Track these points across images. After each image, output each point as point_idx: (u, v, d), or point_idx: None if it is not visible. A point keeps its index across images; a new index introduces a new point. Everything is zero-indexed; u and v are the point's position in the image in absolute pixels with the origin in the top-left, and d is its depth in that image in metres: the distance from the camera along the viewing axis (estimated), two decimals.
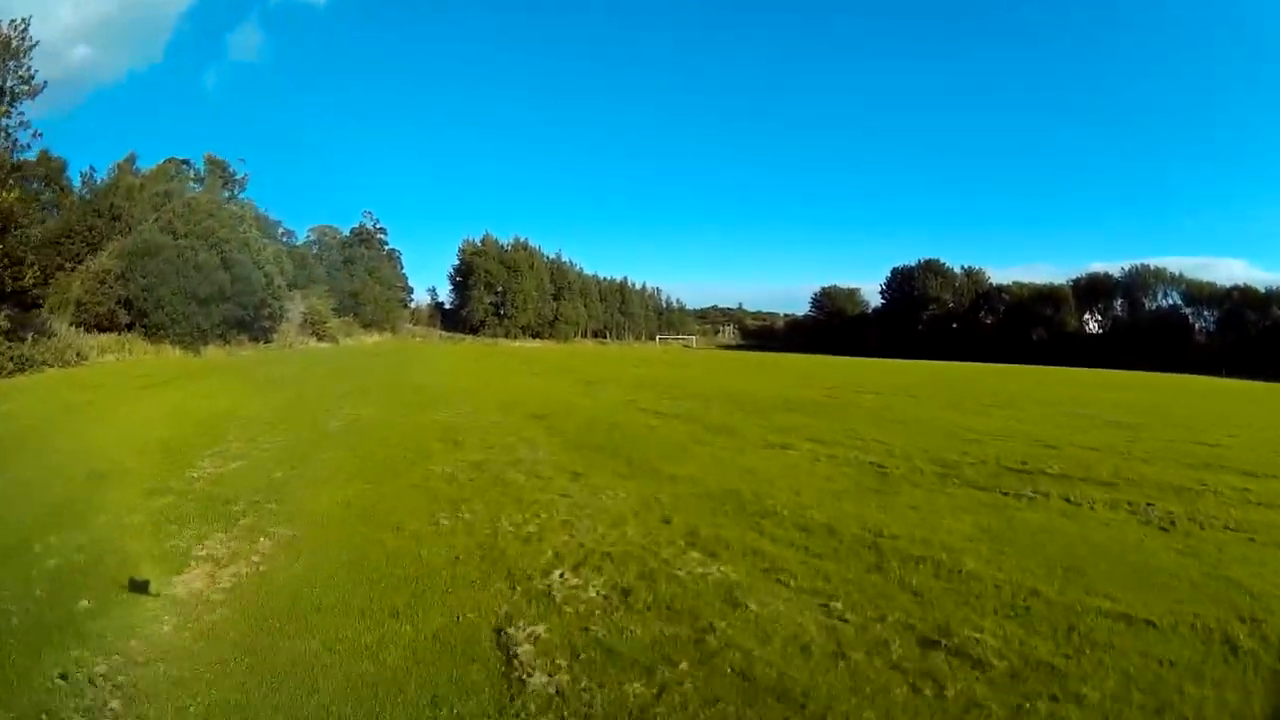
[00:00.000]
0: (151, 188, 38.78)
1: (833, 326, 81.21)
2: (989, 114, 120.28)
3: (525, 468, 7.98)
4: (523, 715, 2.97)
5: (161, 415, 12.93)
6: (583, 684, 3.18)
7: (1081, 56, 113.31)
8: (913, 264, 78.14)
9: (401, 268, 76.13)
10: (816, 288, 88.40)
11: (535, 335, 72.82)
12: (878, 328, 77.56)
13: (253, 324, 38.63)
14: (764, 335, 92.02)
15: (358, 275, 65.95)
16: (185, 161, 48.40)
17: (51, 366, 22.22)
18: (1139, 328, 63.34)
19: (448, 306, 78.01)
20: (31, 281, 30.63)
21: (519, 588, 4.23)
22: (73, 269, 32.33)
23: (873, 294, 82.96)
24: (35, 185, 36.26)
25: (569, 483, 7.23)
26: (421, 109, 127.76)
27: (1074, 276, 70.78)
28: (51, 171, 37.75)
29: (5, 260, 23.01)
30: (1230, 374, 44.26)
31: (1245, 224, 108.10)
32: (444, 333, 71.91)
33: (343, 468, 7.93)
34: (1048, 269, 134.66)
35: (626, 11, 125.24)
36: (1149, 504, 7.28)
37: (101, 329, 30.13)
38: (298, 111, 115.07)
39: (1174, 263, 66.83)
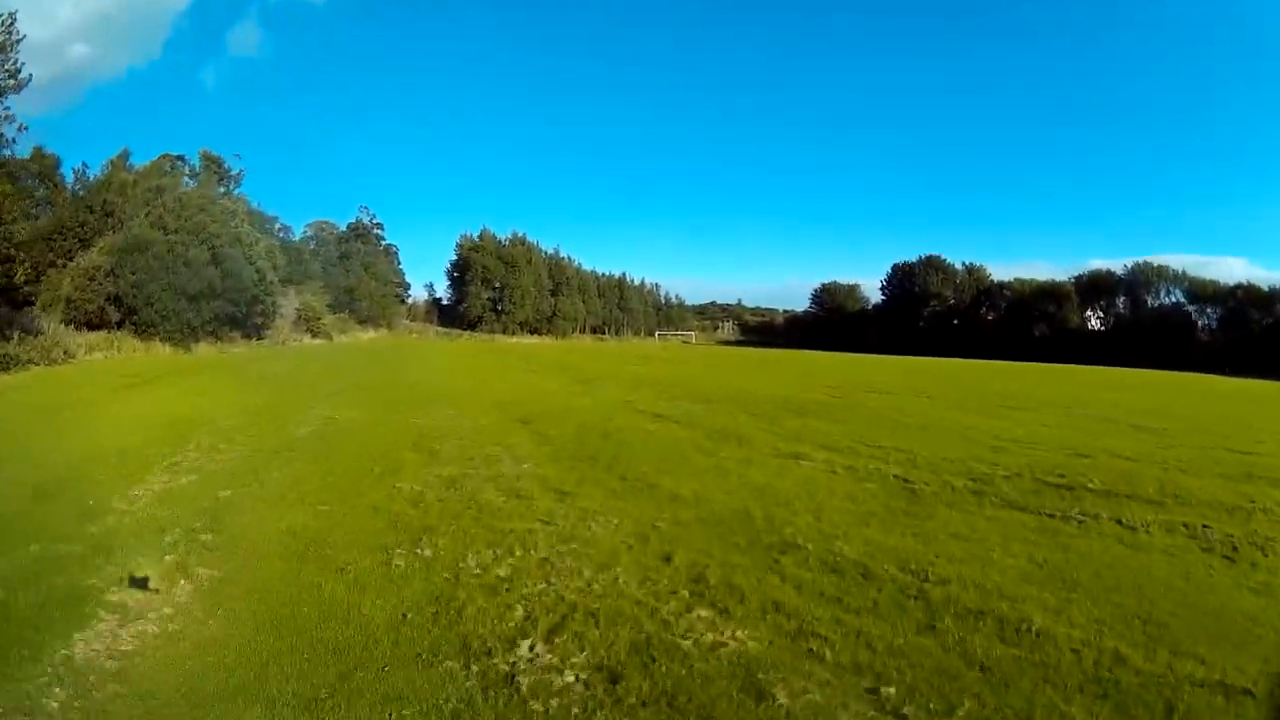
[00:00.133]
0: (144, 184, 38.07)
1: (833, 322, 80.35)
2: (987, 111, 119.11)
3: (505, 484, 7.06)
4: None
5: (131, 418, 12.11)
6: None
7: (1081, 54, 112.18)
8: (913, 260, 77.28)
9: (398, 263, 75.32)
10: (815, 284, 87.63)
11: (533, 331, 71.82)
12: (878, 324, 76.83)
13: (245, 321, 37.84)
14: (764, 331, 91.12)
15: (353, 271, 65.02)
16: (180, 157, 47.65)
17: (38, 365, 21.41)
18: (1141, 325, 62.59)
19: (445, 302, 76.99)
20: (23, 279, 29.96)
21: (475, 667, 3.30)
22: (64, 266, 31.80)
23: (872, 290, 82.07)
24: (28, 182, 35.90)
25: (553, 504, 6.32)
26: (420, 104, 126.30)
27: (1074, 274, 70.06)
28: (45, 168, 37.07)
29: None
30: (1233, 373, 43.47)
31: (1245, 222, 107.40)
32: (441, 329, 70.89)
33: (300, 484, 7.01)
34: (1046, 266, 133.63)
35: (625, 7, 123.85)
36: (1205, 526, 6.55)
37: (92, 326, 29.55)
38: (297, 108, 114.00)
39: (1174, 260, 66.16)
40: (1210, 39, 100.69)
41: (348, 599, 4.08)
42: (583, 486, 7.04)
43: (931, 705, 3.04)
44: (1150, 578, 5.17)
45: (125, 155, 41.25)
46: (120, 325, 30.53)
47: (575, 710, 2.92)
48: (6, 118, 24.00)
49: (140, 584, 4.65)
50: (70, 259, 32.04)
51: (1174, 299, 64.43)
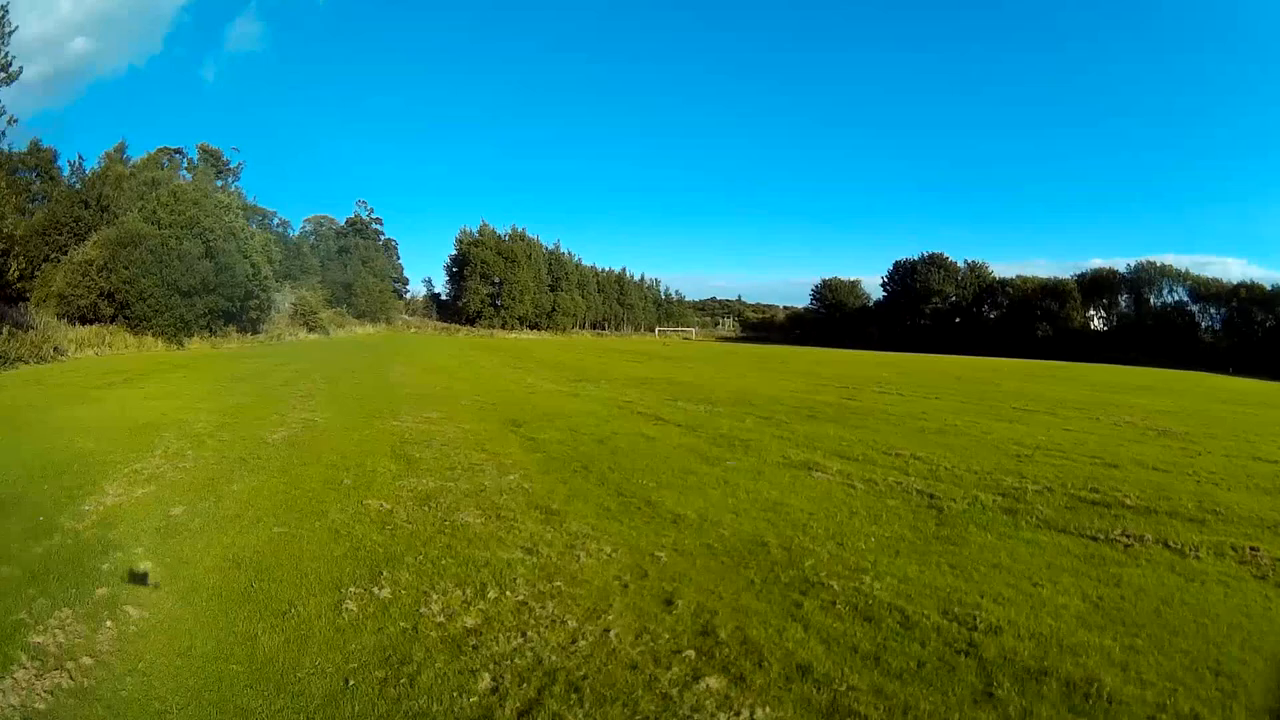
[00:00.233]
0: (140, 177, 37.67)
1: (834, 319, 79.74)
2: (988, 110, 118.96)
3: (486, 501, 6.35)
4: None
5: (102, 419, 11.40)
6: None
7: (1081, 54, 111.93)
8: (915, 257, 76.68)
9: (398, 258, 74.77)
10: (814, 280, 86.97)
11: (533, 327, 71.16)
12: (879, 321, 76.27)
13: (240, 315, 37.15)
14: (764, 328, 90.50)
15: (351, 266, 64.46)
16: (178, 151, 47.47)
17: (27, 362, 20.75)
18: (1144, 324, 62.10)
19: (444, 297, 76.39)
20: (16, 274, 29.39)
21: None
22: (58, 261, 31.33)
23: (873, 287, 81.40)
24: (25, 175, 35.70)
25: (538, 527, 5.61)
26: (421, 99, 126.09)
27: (1075, 272, 69.66)
28: (41, 162, 37.10)
29: None
30: (1237, 373, 42.91)
31: (1245, 222, 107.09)
32: (440, 324, 70.28)
33: (260, 499, 6.31)
34: (1046, 264, 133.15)
35: (625, 2, 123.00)
36: (1252, 548, 5.97)
37: (85, 321, 28.92)
38: (296, 102, 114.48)
39: (1173, 260, 65.87)
40: (1209, 38, 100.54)
41: (284, 656, 3.37)
42: (573, 504, 6.33)
43: None
44: (1211, 615, 4.56)
45: (121, 148, 41.24)
46: (113, 320, 29.91)
47: None
48: None
49: (140, 580, 4.53)
50: (64, 253, 31.53)
51: (1177, 298, 64.08)
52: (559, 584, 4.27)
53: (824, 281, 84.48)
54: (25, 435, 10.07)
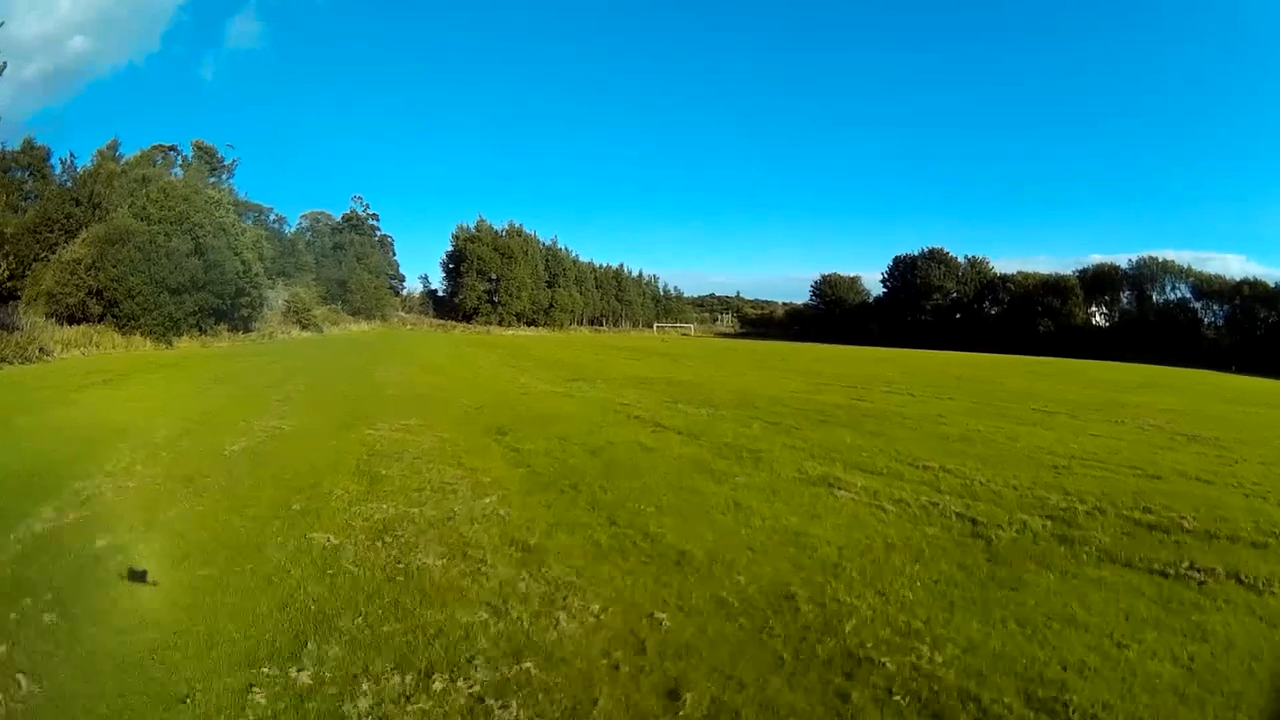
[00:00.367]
0: (132, 174, 36.84)
1: (833, 315, 78.93)
2: (986, 106, 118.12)
3: (453, 535, 5.41)
4: None
5: (66, 426, 10.56)
6: None
7: (1080, 51, 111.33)
8: (915, 253, 75.83)
9: (394, 254, 73.79)
10: (814, 276, 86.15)
11: (530, 323, 70.22)
12: (879, 317, 75.51)
13: (231, 313, 36.31)
14: (763, 324, 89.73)
15: (346, 262, 63.53)
16: (172, 148, 46.61)
17: (11, 363, 20.01)
18: (1146, 321, 61.35)
19: (440, 294, 75.44)
20: (6, 273, 28.64)
21: None
22: (48, 259, 30.69)
23: (873, 283, 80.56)
24: (18, 174, 35.24)
25: (512, 572, 4.68)
26: (419, 96, 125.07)
27: (1075, 268, 68.94)
28: (35, 160, 36.59)
29: None
30: (1240, 370, 42.27)
31: (1244, 219, 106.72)
32: (436, 321, 69.36)
33: (192, 531, 5.45)
34: (1046, 260, 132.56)
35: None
36: None
37: (74, 321, 28.20)
38: (295, 100, 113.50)
39: (1174, 256, 65.06)
40: (1209, 37, 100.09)
41: None
42: (556, 537, 5.40)
43: None
44: None
45: (114, 146, 40.76)
46: (101, 319, 29.17)
47: None
48: None
49: (139, 578, 4.47)
50: (54, 252, 30.90)
51: (1179, 295, 63.40)
52: (529, 665, 3.34)
53: (824, 277, 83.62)
54: None
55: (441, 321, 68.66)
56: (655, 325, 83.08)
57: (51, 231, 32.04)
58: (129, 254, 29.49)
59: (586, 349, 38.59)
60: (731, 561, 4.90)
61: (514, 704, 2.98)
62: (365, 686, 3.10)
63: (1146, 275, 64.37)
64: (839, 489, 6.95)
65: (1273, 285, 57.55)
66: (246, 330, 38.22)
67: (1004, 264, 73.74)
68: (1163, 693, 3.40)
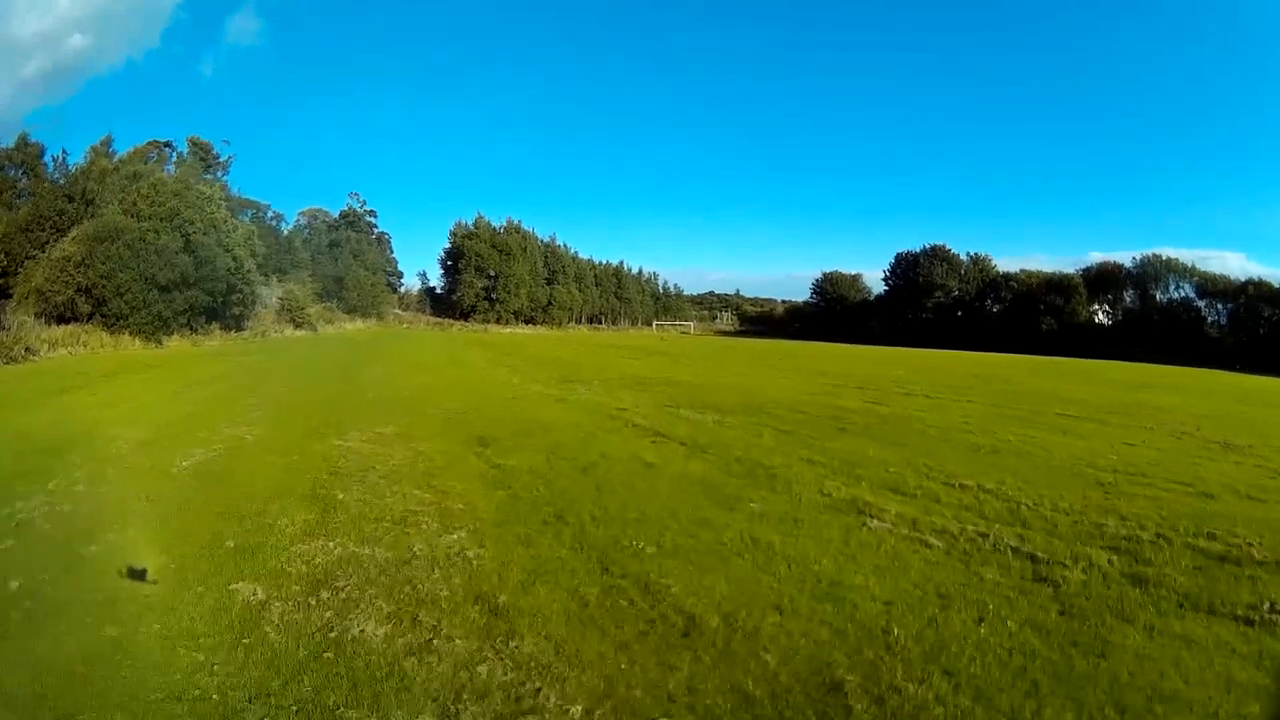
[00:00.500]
0: (124, 170, 36.23)
1: (834, 313, 78.28)
2: (985, 105, 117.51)
3: (405, 589, 4.44)
4: None
5: (21, 436, 9.78)
6: None
7: (1081, 49, 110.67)
8: (917, 250, 75.15)
9: (391, 251, 72.90)
10: (814, 274, 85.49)
11: (528, 321, 69.42)
12: (881, 315, 74.86)
13: (223, 311, 35.52)
14: (763, 322, 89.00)
15: (342, 259, 62.63)
16: (167, 144, 45.76)
17: None
18: (1150, 320, 60.79)
19: (439, 291, 74.59)
20: None
21: None
22: (39, 257, 30.11)
23: (874, 281, 79.89)
24: (12, 172, 35.23)
25: (471, 647, 3.70)
26: (417, 93, 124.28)
27: (1074, 266, 68.78)
28: (28, 158, 35.95)
29: None
30: (1244, 370, 41.78)
31: (1244, 218, 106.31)
32: (433, 319, 68.51)
33: (94, 578, 4.61)
34: (1045, 259, 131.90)
35: None
36: None
37: (63, 320, 27.60)
38: (295, 96, 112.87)
39: (1173, 255, 64.41)
40: (1209, 37, 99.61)
41: None
42: (534, 591, 4.44)
43: None
44: None
45: (108, 142, 40.23)
46: (90, 318, 28.45)
47: None
48: None
49: (138, 576, 4.45)
50: (44, 249, 30.36)
51: (1183, 293, 62.88)
52: None
53: (824, 275, 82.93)
54: None
55: (439, 319, 67.82)
56: (655, 323, 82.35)
57: (43, 229, 31.58)
58: (118, 251, 28.79)
59: (584, 347, 37.79)
60: (755, 630, 3.95)
61: None
62: None
63: (1150, 274, 63.85)
64: (872, 517, 6.13)
65: (1277, 285, 57.24)
66: (239, 329, 37.47)
67: (1003, 262, 73.26)
68: None
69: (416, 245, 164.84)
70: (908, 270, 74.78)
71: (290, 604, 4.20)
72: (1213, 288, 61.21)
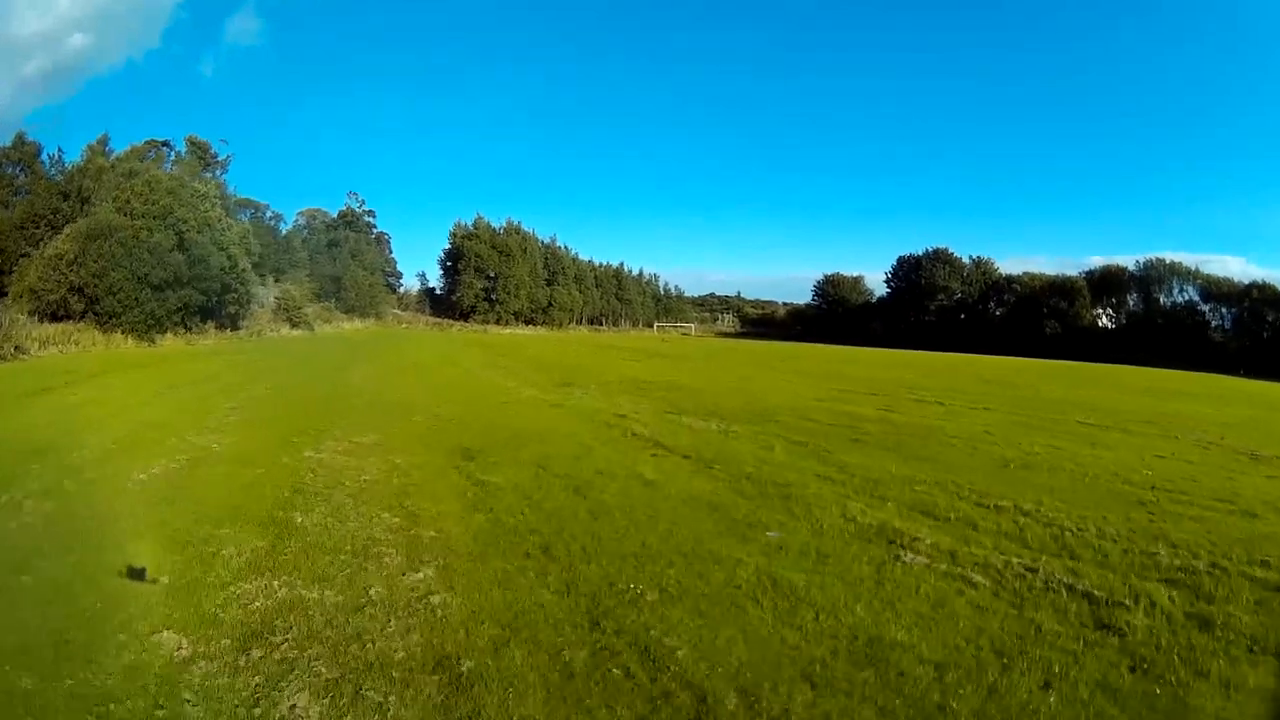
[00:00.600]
0: (120, 169, 35.84)
1: (836, 315, 77.73)
2: (987, 108, 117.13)
3: (352, 648, 3.69)
4: None
5: None
6: None
7: (1083, 51, 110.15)
8: (920, 253, 74.60)
9: (390, 251, 72.33)
10: (815, 276, 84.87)
11: (528, 322, 68.79)
12: (883, 317, 74.25)
13: (218, 310, 34.96)
14: (764, 324, 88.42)
15: (340, 259, 62.02)
16: (165, 143, 45.30)
17: None
18: (1154, 323, 60.21)
19: (438, 292, 74.00)
20: None
21: None
22: (30, 255, 30.03)
23: (876, 283, 79.32)
24: (10, 170, 35.33)
25: None
26: (417, 93, 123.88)
27: (1076, 269, 68.12)
28: (25, 156, 36.14)
29: None
30: (1248, 374, 41.35)
31: (1245, 221, 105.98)
32: (432, 319, 67.89)
33: (32, 618, 3.95)
34: (1045, 261, 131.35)
35: None
36: None
37: (56, 318, 27.21)
38: (295, 96, 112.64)
39: (1177, 258, 63.93)
40: (1209, 37, 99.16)
41: None
42: (508, 654, 3.66)
43: None
44: None
45: (104, 140, 40.27)
46: (83, 317, 27.92)
47: None
48: None
49: (138, 576, 4.44)
50: (39, 248, 30.11)
51: (1186, 297, 62.32)
52: None
53: (826, 277, 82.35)
54: None
55: (438, 320, 67.21)
56: (655, 325, 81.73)
57: (38, 227, 31.48)
58: (110, 249, 28.27)
59: (584, 349, 37.13)
60: (784, 713, 3.20)
61: None
62: None
63: (1154, 277, 63.32)
64: (904, 549, 5.44)
65: None
66: (234, 328, 36.90)
67: (1003, 264, 72.84)
68: None
69: (416, 245, 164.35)
70: (910, 272, 74.21)
71: (217, 663, 3.51)
72: (1217, 291, 60.72)
